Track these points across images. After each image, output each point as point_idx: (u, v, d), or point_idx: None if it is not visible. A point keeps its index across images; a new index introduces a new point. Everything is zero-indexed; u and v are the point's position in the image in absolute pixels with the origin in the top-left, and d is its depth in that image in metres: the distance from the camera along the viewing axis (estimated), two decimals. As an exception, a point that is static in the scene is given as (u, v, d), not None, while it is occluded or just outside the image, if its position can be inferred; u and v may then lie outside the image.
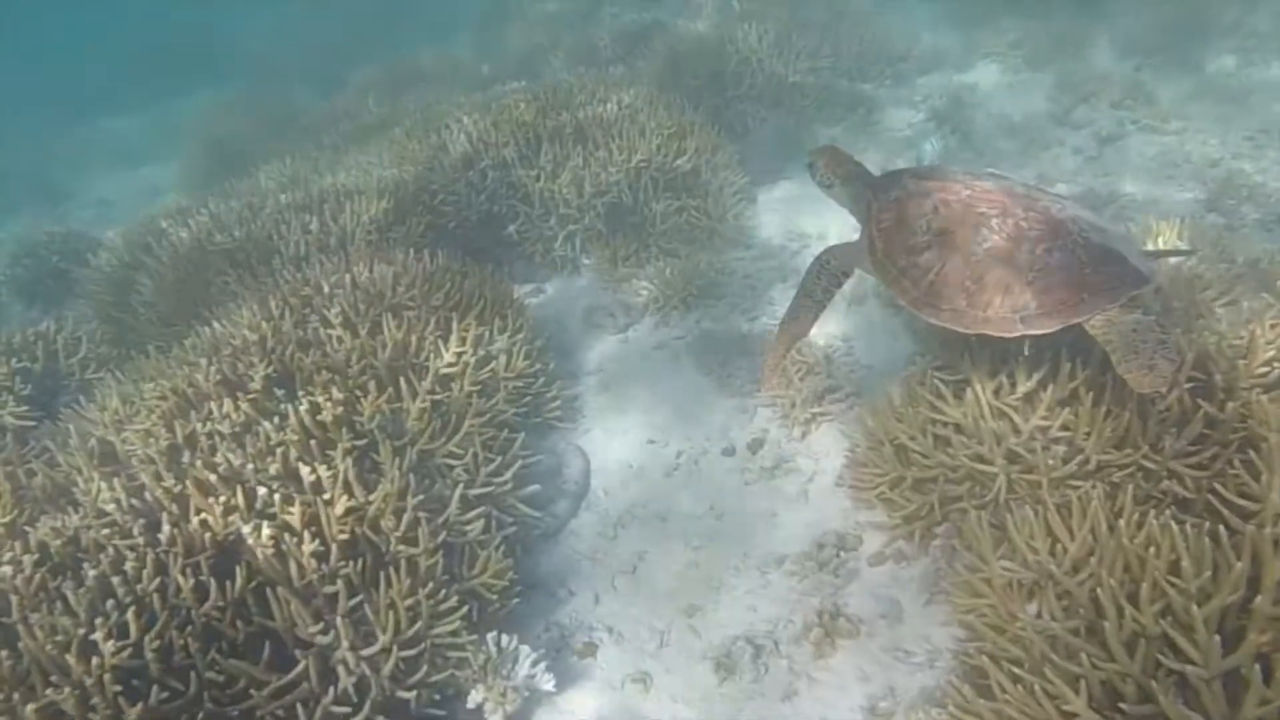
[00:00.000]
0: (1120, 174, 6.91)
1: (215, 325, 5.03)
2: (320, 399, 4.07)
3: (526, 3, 13.37)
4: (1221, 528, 2.95)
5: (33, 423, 5.36)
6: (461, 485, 4.05)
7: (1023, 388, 3.81)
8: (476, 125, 7.12)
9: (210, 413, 4.19)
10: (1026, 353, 3.71)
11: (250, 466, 3.72)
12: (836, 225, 6.82)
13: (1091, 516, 3.28)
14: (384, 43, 14.38)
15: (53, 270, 8.77)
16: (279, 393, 4.27)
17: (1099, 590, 2.94)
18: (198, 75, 17.67)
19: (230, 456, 3.80)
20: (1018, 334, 3.31)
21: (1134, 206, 6.37)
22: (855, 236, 4.02)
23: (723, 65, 8.63)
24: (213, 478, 3.67)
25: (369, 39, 14.92)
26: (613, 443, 5.23)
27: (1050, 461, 3.63)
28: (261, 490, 3.58)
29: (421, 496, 3.81)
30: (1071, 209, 3.55)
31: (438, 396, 4.46)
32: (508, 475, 4.32)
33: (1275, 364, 3.59)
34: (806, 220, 7.14)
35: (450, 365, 4.69)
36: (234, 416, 4.06)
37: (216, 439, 4.01)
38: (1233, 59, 8.56)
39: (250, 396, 4.23)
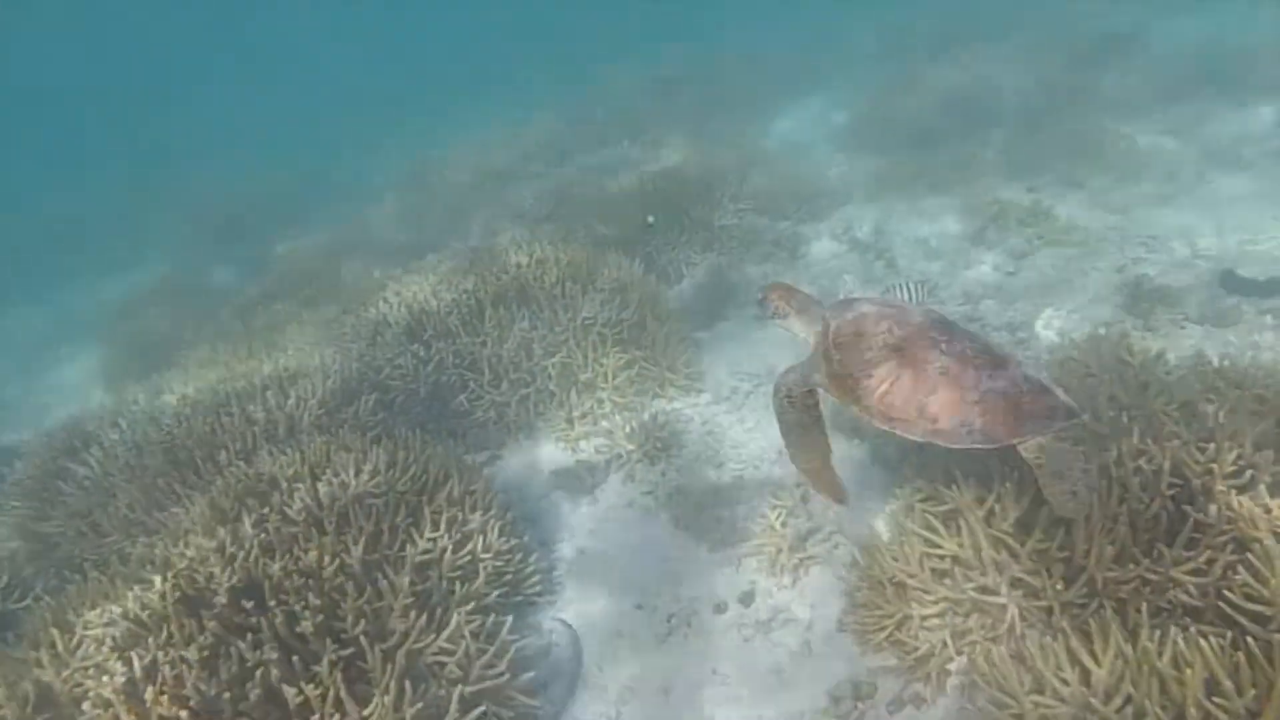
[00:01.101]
0: (1041, 287, 7.37)
1: (166, 538, 4.68)
2: (296, 607, 3.79)
3: (443, 172, 13.82)
4: (1249, 639, 2.99)
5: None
6: (459, 685, 3.77)
7: (1014, 513, 3.87)
8: (416, 297, 7.12)
9: (171, 636, 3.83)
10: None
11: (226, 695, 3.38)
12: (783, 362, 6.99)
13: (1115, 640, 3.28)
14: (303, 216, 14.47)
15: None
16: (247, 605, 3.95)
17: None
18: (103, 257, 17.28)
19: (201, 686, 3.46)
20: (963, 446, 3.50)
21: (1059, 317, 6.76)
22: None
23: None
24: (183, 715, 3.32)
25: (287, 213, 15.01)
26: (599, 613, 5.00)
27: (1058, 586, 3.64)
28: (244, 722, 3.25)
29: (420, 705, 3.52)
30: (1010, 349, 3.85)
31: (418, 588, 4.22)
32: (502, 665, 4.06)
33: (1242, 464, 3.77)
34: (751, 359, 7.30)
35: (426, 552, 4.47)
36: (200, 639, 3.72)
37: (183, 667, 3.65)
38: (1108, 177, 9.41)
39: (216, 613, 3.91)
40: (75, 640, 4.28)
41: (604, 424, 6.58)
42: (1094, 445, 3.97)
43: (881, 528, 4.57)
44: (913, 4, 17.39)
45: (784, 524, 5.07)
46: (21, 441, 8.79)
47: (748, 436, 6.17)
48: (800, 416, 4.07)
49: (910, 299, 4.46)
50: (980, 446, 3.49)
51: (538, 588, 5.06)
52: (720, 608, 4.84)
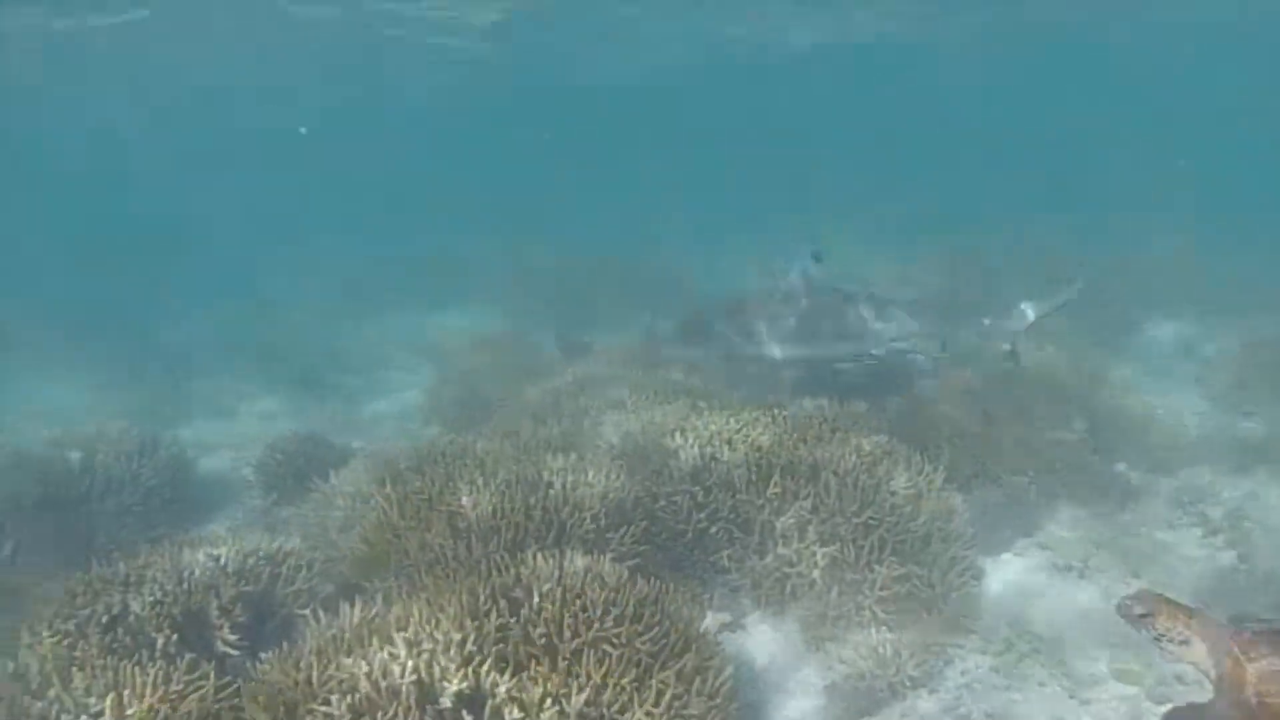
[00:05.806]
0: None
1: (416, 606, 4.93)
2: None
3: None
4: None
5: (237, 653, 5.35)
6: None
7: None
8: (711, 442, 7.16)
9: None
10: None
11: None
12: (1076, 626, 6.16)
13: None
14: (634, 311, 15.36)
15: (296, 470, 9.40)
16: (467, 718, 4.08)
17: None
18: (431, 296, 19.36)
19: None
20: None
21: None
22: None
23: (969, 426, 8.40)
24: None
25: (621, 301, 16.03)
26: None
27: None
28: None
29: None
30: None
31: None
32: None
33: None
34: (1037, 616, 6.49)
35: (638, 727, 4.36)
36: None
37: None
38: None
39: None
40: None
41: (854, 633, 6.12)
42: None
43: None
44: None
45: None
46: (358, 448, 10.01)
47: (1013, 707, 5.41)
48: None
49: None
50: None
51: (736, 798, 4.73)
52: None
